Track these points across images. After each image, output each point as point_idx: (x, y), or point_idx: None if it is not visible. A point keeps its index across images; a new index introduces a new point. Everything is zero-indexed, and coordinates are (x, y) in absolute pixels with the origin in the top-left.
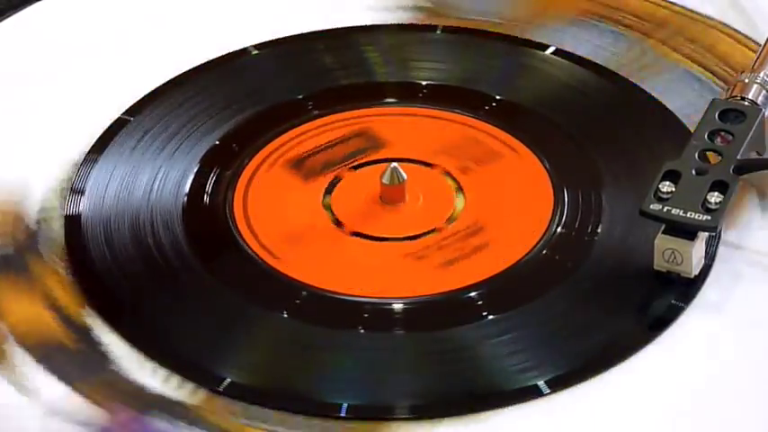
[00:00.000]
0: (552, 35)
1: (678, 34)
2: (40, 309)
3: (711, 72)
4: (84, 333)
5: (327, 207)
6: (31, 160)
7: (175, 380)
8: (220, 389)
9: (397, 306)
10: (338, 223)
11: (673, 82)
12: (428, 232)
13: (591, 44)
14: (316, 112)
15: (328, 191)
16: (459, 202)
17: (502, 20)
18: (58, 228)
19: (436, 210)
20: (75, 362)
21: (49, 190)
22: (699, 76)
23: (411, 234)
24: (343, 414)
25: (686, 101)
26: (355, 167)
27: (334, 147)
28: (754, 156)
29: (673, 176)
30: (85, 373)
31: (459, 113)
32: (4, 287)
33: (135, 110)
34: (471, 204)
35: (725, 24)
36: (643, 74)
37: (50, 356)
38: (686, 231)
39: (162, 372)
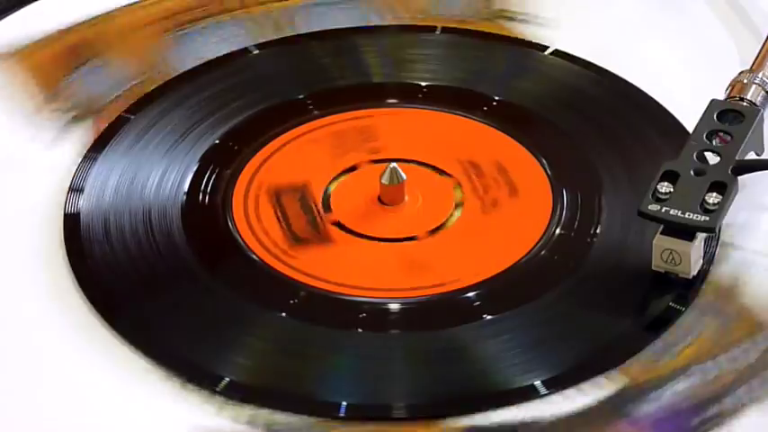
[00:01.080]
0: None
1: None
2: None
3: None
4: None
5: (327, 207)
6: (31, 160)
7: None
8: (218, 388)
9: (396, 306)
10: (338, 223)
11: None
12: (428, 232)
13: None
14: (316, 112)
15: (327, 191)
16: (458, 203)
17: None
18: (57, 227)
19: (436, 210)
20: None
21: (49, 189)
22: None
23: (410, 234)
24: (341, 414)
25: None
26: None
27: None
28: (752, 156)
29: (671, 177)
30: None
31: (458, 114)
32: None
33: (135, 108)
34: (471, 204)
35: None
36: None
37: None
38: (684, 232)
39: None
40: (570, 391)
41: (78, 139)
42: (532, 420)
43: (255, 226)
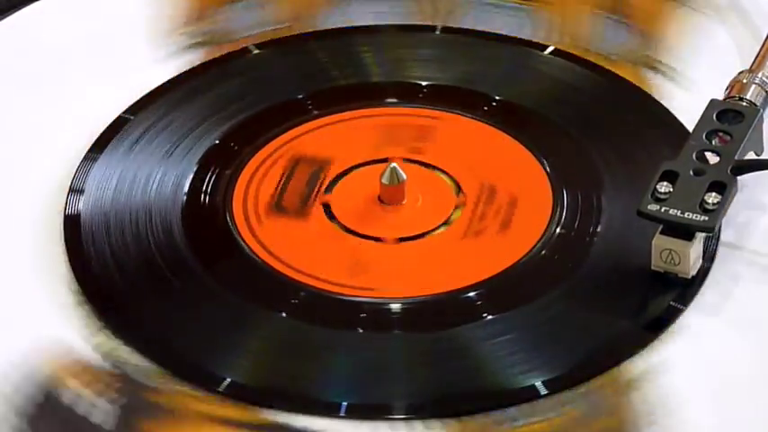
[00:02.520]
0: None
1: None
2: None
3: None
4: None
5: (326, 207)
6: (31, 159)
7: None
8: (220, 389)
9: (396, 306)
10: (338, 224)
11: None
12: (427, 232)
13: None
14: (316, 112)
15: (327, 192)
16: (459, 203)
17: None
18: (57, 227)
19: (435, 210)
20: None
21: (49, 189)
22: None
23: (410, 234)
24: (342, 413)
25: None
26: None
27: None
28: (752, 156)
29: (670, 177)
30: None
31: (458, 114)
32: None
33: (135, 109)
34: (470, 204)
35: None
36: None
37: None
38: (684, 232)
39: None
40: (571, 392)
41: (189, 62)
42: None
43: (255, 226)
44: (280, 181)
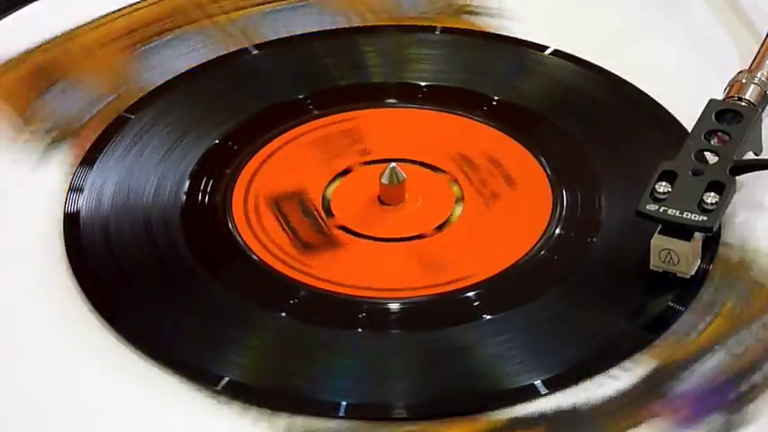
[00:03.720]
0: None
1: None
2: None
3: None
4: None
5: (326, 207)
6: (31, 160)
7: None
8: (218, 388)
9: (396, 306)
10: (343, 227)
11: None
12: (427, 233)
13: None
14: (316, 112)
15: (326, 195)
16: (458, 203)
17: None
18: (57, 227)
19: (436, 210)
20: None
21: (49, 189)
22: None
23: (410, 234)
24: (341, 413)
25: None
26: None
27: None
28: (750, 156)
29: (669, 177)
30: None
31: (458, 114)
32: None
33: (135, 108)
34: (470, 204)
35: None
36: None
37: None
38: (683, 232)
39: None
40: (570, 391)
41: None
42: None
43: (255, 226)
44: (282, 226)
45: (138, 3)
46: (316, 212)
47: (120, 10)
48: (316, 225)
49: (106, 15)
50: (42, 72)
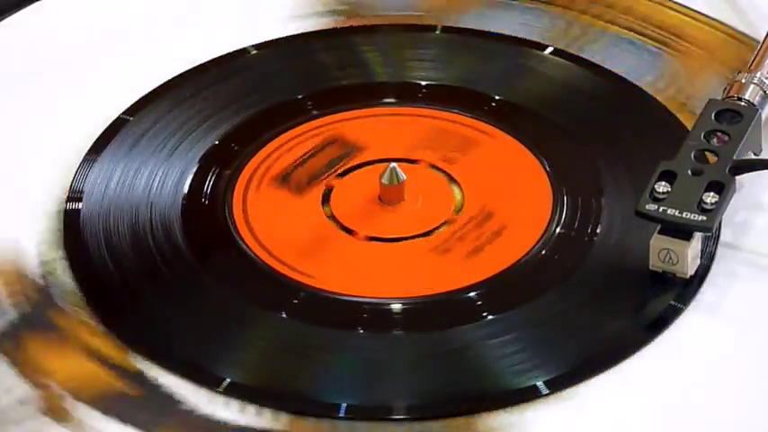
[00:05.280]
0: (477, 20)
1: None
2: (84, 361)
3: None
4: (140, 378)
5: (327, 207)
6: (31, 160)
7: (252, 408)
8: (220, 389)
9: (396, 306)
10: (338, 224)
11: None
12: (427, 232)
13: (514, 23)
14: (315, 112)
15: (326, 194)
16: (458, 204)
17: (421, 12)
18: (57, 227)
19: (435, 210)
20: (144, 407)
21: (49, 190)
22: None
23: (410, 234)
24: (342, 414)
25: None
26: (341, 174)
27: (315, 156)
28: (750, 156)
29: (668, 176)
30: (158, 416)
31: (457, 114)
32: (37, 346)
33: (134, 109)
34: (470, 205)
35: None
36: (578, 44)
37: (116, 407)
38: (682, 231)
39: (235, 402)
40: (571, 391)
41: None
42: (534, 420)
43: (255, 226)
44: (303, 155)
45: None
46: (337, 167)
47: None
48: (320, 173)
49: None
50: None
